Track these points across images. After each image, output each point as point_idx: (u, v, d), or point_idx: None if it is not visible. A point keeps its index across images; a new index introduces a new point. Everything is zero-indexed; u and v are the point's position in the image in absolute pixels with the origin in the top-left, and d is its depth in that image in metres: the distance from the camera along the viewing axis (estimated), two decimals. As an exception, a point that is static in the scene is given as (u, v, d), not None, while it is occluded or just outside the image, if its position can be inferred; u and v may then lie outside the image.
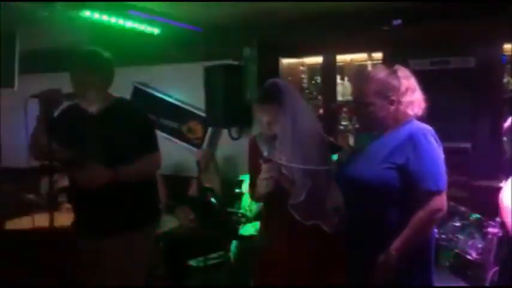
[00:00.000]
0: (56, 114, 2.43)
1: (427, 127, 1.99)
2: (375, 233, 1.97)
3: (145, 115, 2.59)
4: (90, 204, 2.45)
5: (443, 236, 2.71)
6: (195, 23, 4.37)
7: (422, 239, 1.97)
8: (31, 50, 3.31)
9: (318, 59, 4.27)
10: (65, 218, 2.90)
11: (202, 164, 4.19)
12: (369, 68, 4.09)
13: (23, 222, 3.82)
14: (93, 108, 2.44)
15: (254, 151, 2.27)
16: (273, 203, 2.25)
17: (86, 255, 2.47)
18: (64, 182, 4.06)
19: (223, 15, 4.10)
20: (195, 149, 5.00)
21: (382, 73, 2.02)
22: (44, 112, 2.32)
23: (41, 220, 3.53)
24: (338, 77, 4.18)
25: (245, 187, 3.59)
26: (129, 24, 3.89)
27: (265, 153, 2.16)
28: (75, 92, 2.41)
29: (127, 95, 5.14)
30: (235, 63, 4.61)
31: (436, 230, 2.33)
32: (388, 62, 3.44)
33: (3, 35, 2.97)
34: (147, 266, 2.57)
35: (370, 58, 4.12)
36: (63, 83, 2.46)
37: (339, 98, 4.16)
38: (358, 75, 2.26)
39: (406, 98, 2.00)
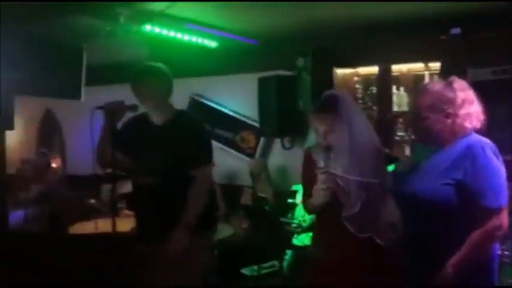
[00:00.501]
0: (120, 124, 2.55)
1: (486, 140, 1.93)
2: (431, 249, 1.93)
3: (204, 127, 2.68)
4: (149, 210, 2.56)
5: (506, 253, 2.60)
6: (250, 35, 4.45)
7: (482, 256, 1.90)
8: (96, 63, 3.49)
9: (373, 69, 4.22)
10: (124, 224, 3.03)
11: (255, 173, 4.24)
12: (426, 78, 4.01)
13: (85, 227, 4.02)
14: (157, 120, 2.55)
15: (308, 162, 2.28)
16: (327, 214, 2.25)
17: (146, 259, 2.56)
18: (123, 189, 4.25)
19: (277, 26, 4.15)
20: (248, 159, 5.07)
21: (437, 86, 1.98)
22: (108, 123, 2.45)
23: (101, 225, 3.71)
24: (394, 87, 4.12)
25: (299, 197, 3.59)
26: (187, 37, 4.02)
27: (321, 164, 2.16)
28: (140, 104, 2.53)
29: (184, 105, 5.30)
30: (289, 73, 4.65)
31: (498, 247, 2.24)
32: (446, 72, 3.36)
33: (71, 49, 3.16)
34: (203, 272, 2.62)
35: (427, 68, 4.03)
36: (126, 94, 2.60)
37: (395, 108, 4.09)
38: (415, 88, 2.24)
39: (463, 111, 1.95)
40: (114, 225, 2.41)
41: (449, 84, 1.97)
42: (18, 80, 2.93)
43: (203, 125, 2.71)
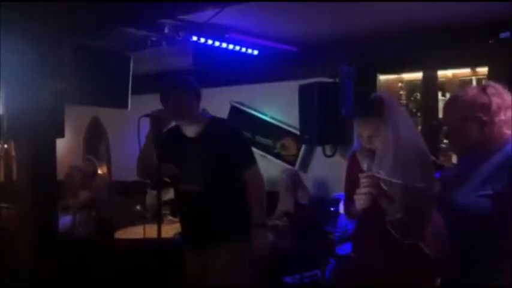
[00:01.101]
0: (163, 133, 2.59)
1: None
2: (470, 261, 1.85)
3: (239, 131, 2.70)
4: (193, 217, 2.60)
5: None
6: (291, 42, 4.46)
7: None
8: (141, 72, 3.59)
9: (417, 75, 4.14)
10: (167, 230, 3.08)
11: (290, 187, 4.23)
12: (473, 83, 3.89)
13: (131, 233, 4.12)
14: (190, 132, 2.59)
15: (352, 166, 2.25)
16: (369, 219, 2.21)
17: (191, 265, 2.60)
18: (167, 195, 4.33)
19: (319, 34, 4.14)
20: (289, 166, 5.06)
21: (469, 93, 1.88)
22: (153, 131, 2.50)
23: (146, 231, 3.78)
24: (439, 93, 4.02)
25: (341, 206, 3.55)
26: (230, 46, 4.07)
27: (364, 168, 2.13)
28: (175, 113, 2.57)
29: (224, 113, 5.36)
30: (331, 80, 4.62)
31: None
32: (494, 76, 3.25)
33: (118, 59, 3.27)
34: (244, 280, 2.62)
35: (474, 73, 3.91)
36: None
37: (440, 115, 3.99)
38: (449, 98, 2.16)
39: (500, 117, 1.83)
40: (159, 230, 2.46)
41: (483, 90, 1.86)
42: (67, 89, 3.04)
43: (238, 128, 2.74)
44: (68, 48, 3.01)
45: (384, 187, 2.07)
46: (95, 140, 7.07)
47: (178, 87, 2.57)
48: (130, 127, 6.46)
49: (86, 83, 3.07)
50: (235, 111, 5.50)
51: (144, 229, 2.89)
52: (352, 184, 2.21)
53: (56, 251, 3.01)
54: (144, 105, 3.41)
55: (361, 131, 2.16)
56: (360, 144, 2.23)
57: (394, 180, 2.06)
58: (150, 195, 4.99)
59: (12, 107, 2.82)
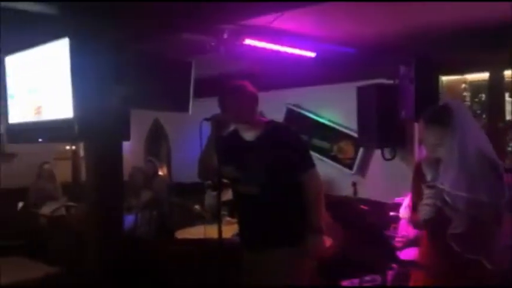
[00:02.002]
0: (223, 136, 2.65)
1: None
2: None
3: (298, 135, 2.72)
4: (248, 219, 2.64)
5: None
6: (348, 44, 4.41)
7: None
8: (201, 76, 3.69)
9: (482, 75, 3.97)
10: (225, 230, 3.12)
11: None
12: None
13: (190, 232, 4.23)
14: (248, 135, 2.63)
15: (418, 175, 2.20)
16: (433, 231, 2.15)
17: (248, 265, 2.64)
18: (225, 196, 4.41)
19: (377, 34, 4.07)
20: (346, 170, 5.00)
21: None
22: (214, 134, 2.57)
23: (200, 231, 3.86)
24: (506, 94, 3.83)
25: (401, 211, 3.47)
26: (287, 49, 4.08)
27: (428, 178, 2.07)
28: (229, 119, 2.62)
29: (280, 116, 5.39)
30: (390, 82, 4.53)
31: None
32: None
33: (180, 64, 3.37)
34: (303, 281, 2.62)
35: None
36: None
37: (508, 117, 3.80)
38: None
39: None
40: (220, 231, 2.52)
41: None
42: (132, 94, 3.18)
43: (296, 131, 2.74)
44: (132, 54, 3.14)
45: (448, 199, 2.01)
46: (155, 142, 7.33)
47: (235, 91, 2.61)
48: (190, 130, 6.65)
49: (149, 88, 3.19)
50: (291, 113, 5.52)
51: (204, 229, 2.96)
52: (416, 194, 2.17)
53: (122, 249, 3.16)
54: (204, 109, 3.52)
55: (426, 139, 2.11)
56: (425, 152, 2.18)
57: (458, 193, 1.99)
58: (209, 196, 5.09)
59: (82, 111, 2.99)
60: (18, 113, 3.63)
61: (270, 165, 2.51)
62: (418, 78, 4.01)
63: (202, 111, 3.35)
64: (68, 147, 7.46)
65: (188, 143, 6.31)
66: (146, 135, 7.32)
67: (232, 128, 2.68)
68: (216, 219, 4.31)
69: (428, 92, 3.95)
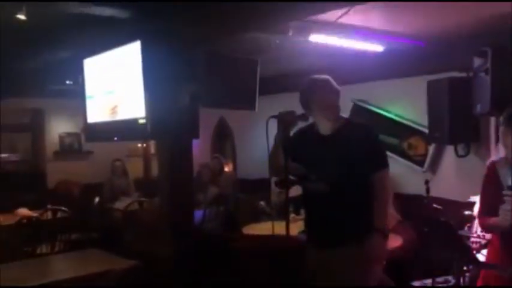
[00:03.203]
0: (291, 133, 2.66)
1: None
2: None
3: (375, 132, 2.66)
4: (318, 216, 2.62)
5: None
6: (417, 37, 4.26)
7: None
8: (268, 73, 3.72)
9: None
10: (290, 227, 3.12)
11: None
12: None
13: (252, 228, 4.28)
14: (325, 130, 2.60)
15: (491, 176, 2.09)
16: (508, 235, 2.04)
17: (312, 263, 2.63)
18: (290, 193, 4.42)
19: (447, 26, 3.89)
20: (416, 167, 4.84)
21: None
22: (281, 131, 2.57)
23: (266, 227, 3.90)
24: None
25: (476, 210, 3.30)
26: (353, 44, 4.01)
27: (509, 183, 1.96)
28: (307, 114, 2.61)
29: (347, 112, 5.30)
30: (463, 75, 4.32)
31: None
32: None
33: (247, 63, 3.42)
34: (369, 281, 2.57)
35: None
36: (290, 103, 2.71)
37: None
38: None
39: None
40: (287, 228, 2.53)
41: None
42: (201, 93, 3.28)
43: (374, 130, 2.68)
44: (201, 54, 3.23)
45: None
46: (221, 139, 7.48)
47: (319, 86, 2.59)
48: (254, 127, 6.77)
49: (217, 87, 3.27)
50: (357, 109, 5.41)
51: (272, 226, 2.98)
52: (488, 196, 2.06)
53: (192, 242, 3.27)
54: (268, 106, 3.55)
55: (506, 141, 2.00)
56: (503, 154, 2.07)
57: None
58: (275, 193, 5.13)
59: (154, 110, 3.12)
60: (96, 113, 3.86)
61: (343, 162, 2.48)
62: (494, 69, 3.79)
63: (266, 108, 3.40)
64: (139, 145, 7.80)
65: (252, 140, 6.40)
66: (212, 134, 7.48)
67: (302, 124, 2.66)
68: (281, 215, 4.36)
69: (505, 84, 3.72)
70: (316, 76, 2.65)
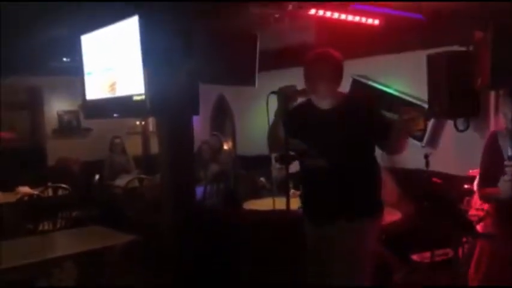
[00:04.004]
0: (291, 108, 2.63)
1: None
2: None
3: (375, 106, 2.65)
4: (317, 192, 2.63)
5: None
6: (417, 10, 4.21)
7: None
8: (266, 49, 3.68)
9: None
10: (291, 202, 3.13)
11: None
12: None
13: (253, 204, 4.32)
14: (324, 104, 2.58)
15: (492, 147, 2.10)
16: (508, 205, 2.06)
17: (311, 239, 2.64)
18: (291, 169, 4.43)
19: (448, -1, 3.84)
20: (416, 142, 4.85)
21: None
22: (282, 107, 2.55)
23: (267, 203, 3.93)
24: None
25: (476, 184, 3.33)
26: (351, 18, 3.97)
27: (509, 153, 1.97)
28: (307, 88, 2.60)
29: (346, 87, 5.27)
30: (463, 49, 4.29)
31: None
32: None
33: (246, 38, 3.38)
34: (370, 255, 2.60)
35: None
36: (295, 79, 2.69)
37: None
38: None
39: None
40: (288, 203, 2.54)
41: None
42: (200, 69, 3.25)
43: (374, 103, 2.67)
44: (199, 30, 3.19)
45: None
46: (220, 116, 7.46)
47: (324, 60, 2.55)
48: (253, 103, 6.69)
49: (216, 63, 3.24)
50: (357, 84, 5.39)
51: (273, 201, 3.00)
52: (489, 166, 2.07)
53: (194, 219, 3.30)
54: (267, 82, 3.53)
55: (506, 111, 2.00)
56: (503, 125, 2.07)
57: None
58: (275, 169, 5.15)
59: (153, 88, 3.10)
60: (95, 90, 3.84)
61: (343, 137, 2.47)
62: (494, 42, 3.76)
63: (266, 84, 3.38)
64: (138, 122, 7.79)
65: (252, 117, 6.38)
66: (211, 111, 7.46)
67: (303, 99, 2.65)
68: (281, 191, 4.39)
69: (506, 57, 3.70)
70: (317, 50, 2.62)
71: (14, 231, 3.91)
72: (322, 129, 2.54)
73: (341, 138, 2.47)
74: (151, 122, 7.61)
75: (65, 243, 3.45)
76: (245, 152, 6.69)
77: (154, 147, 8.06)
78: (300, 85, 2.62)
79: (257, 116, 6.43)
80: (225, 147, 6.58)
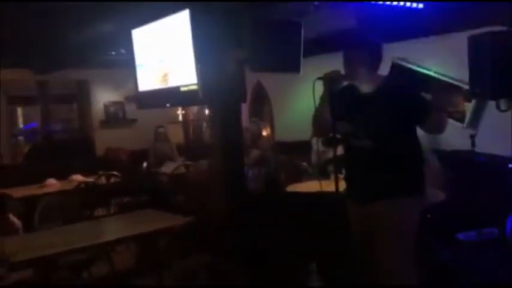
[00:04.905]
0: (336, 92, 2.68)
1: None
2: None
3: (416, 87, 2.70)
4: (362, 172, 2.69)
5: None
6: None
7: None
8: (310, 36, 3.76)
9: None
10: (333, 185, 3.22)
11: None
12: None
13: (296, 187, 4.44)
14: (365, 88, 2.66)
15: None
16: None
17: (355, 219, 2.71)
18: (331, 154, 4.52)
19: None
20: (457, 123, 4.85)
21: None
22: (327, 91, 2.64)
23: (311, 186, 4.05)
24: None
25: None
26: (395, 2, 4.01)
27: None
28: (347, 73, 2.68)
29: (386, 70, 5.29)
30: (504, 28, 4.26)
31: None
32: None
33: (291, 26, 3.48)
34: (413, 235, 2.66)
35: None
36: (332, 65, 2.77)
37: None
38: None
39: None
40: (337, 185, 2.65)
41: None
42: (248, 58, 3.38)
43: (414, 85, 2.72)
44: (247, 19, 3.31)
45: None
46: (258, 103, 7.59)
47: (364, 44, 2.63)
48: (291, 90, 6.74)
49: (263, 51, 3.35)
50: (397, 67, 5.40)
51: (320, 184, 3.10)
52: None
53: (245, 201, 3.46)
54: (307, 68, 3.61)
55: None
56: None
57: None
58: (315, 154, 5.25)
59: (205, 77, 3.26)
60: (147, 81, 4.04)
61: (386, 118, 2.53)
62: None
63: (306, 70, 3.46)
64: (178, 112, 8.02)
65: (290, 103, 6.48)
66: (249, 98, 7.58)
67: (346, 82, 2.73)
68: (323, 175, 4.49)
69: (552, 36, 3.67)
70: (354, 35, 2.69)
71: (74, 216, 4.15)
72: (366, 111, 2.62)
73: (384, 119, 2.54)
74: (190, 112, 7.83)
75: (124, 226, 3.66)
76: (283, 138, 6.82)
77: (194, 136, 8.31)
78: (342, 70, 2.69)
79: (295, 102, 6.52)
80: (264, 133, 6.71)
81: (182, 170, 5.97)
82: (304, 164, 5.32)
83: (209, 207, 3.73)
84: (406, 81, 2.76)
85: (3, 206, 4.69)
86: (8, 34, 5.36)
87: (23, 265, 2.99)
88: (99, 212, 5.08)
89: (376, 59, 2.66)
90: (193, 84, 3.32)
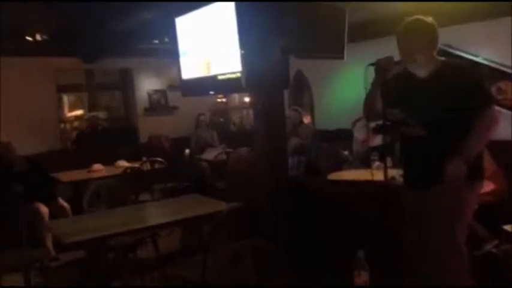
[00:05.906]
0: (388, 79, 2.66)
1: None
2: None
3: (473, 71, 2.60)
4: (417, 160, 2.65)
5: None
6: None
7: None
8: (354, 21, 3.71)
9: None
10: (376, 174, 3.19)
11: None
12: None
13: (338, 175, 4.40)
14: (422, 73, 2.61)
15: None
16: None
17: (411, 204, 2.71)
18: (374, 142, 4.45)
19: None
20: (506, 111, 4.69)
21: None
22: (379, 78, 2.62)
23: (352, 174, 4.01)
24: None
25: None
26: None
27: None
28: (403, 58, 2.64)
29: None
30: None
31: None
32: None
33: (336, 11, 3.45)
34: (466, 222, 2.63)
35: None
36: (375, 50, 2.71)
37: None
38: None
39: None
40: (385, 173, 2.64)
41: None
42: (291, 44, 3.37)
43: (471, 69, 2.64)
44: (291, 6, 3.30)
45: None
46: (299, 91, 7.56)
47: (419, 28, 2.58)
48: (332, 78, 6.67)
49: (306, 37, 3.33)
50: (442, 54, 5.23)
51: (371, 172, 3.07)
52: None
53: (288, 187, 3.48)
54: (351, 54, 3.56)
55: None
56: None
57: None
58: (357, 142, 5.20)
59: (249, 65, 3.28)
60: (190, 69, 4.10)
61: (441, 104, 2.48)
62: None
63: (350, 56, 3.41)
64: (219, 100, 8.10)
65: (331, 91, 6.42)
66: (290, 86, 7.57)
67: (400, 68, 2.68)
68: (364, 164, 4.44)
69: None
70: (409, 19, 2.64)
71: (121, 200, 4.29)
72: (421, 97, 2.57)
73: (440, 104, 2.49)
74: (232, 100, 7.89)
75: (170, 211, 3.74)
76: (324, 126, 6.78)
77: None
78: (384, 55, 2.64)
79: (336, 90, 6.46)
80: (305, 121, 6.69)
81: (223, 157, 6.05)
82: (346, 152, 5.27)
83: (252, 193, 3.76)
84: (463, 65, 2.65)
85: (54, 190, 4.91)
86: (56, 24, 5.55)
87: (74, 246, 3.11)
88: (144, 197, 5.22)
89: (433, 42, 2.61)
90: (237, 72, 3.35)
